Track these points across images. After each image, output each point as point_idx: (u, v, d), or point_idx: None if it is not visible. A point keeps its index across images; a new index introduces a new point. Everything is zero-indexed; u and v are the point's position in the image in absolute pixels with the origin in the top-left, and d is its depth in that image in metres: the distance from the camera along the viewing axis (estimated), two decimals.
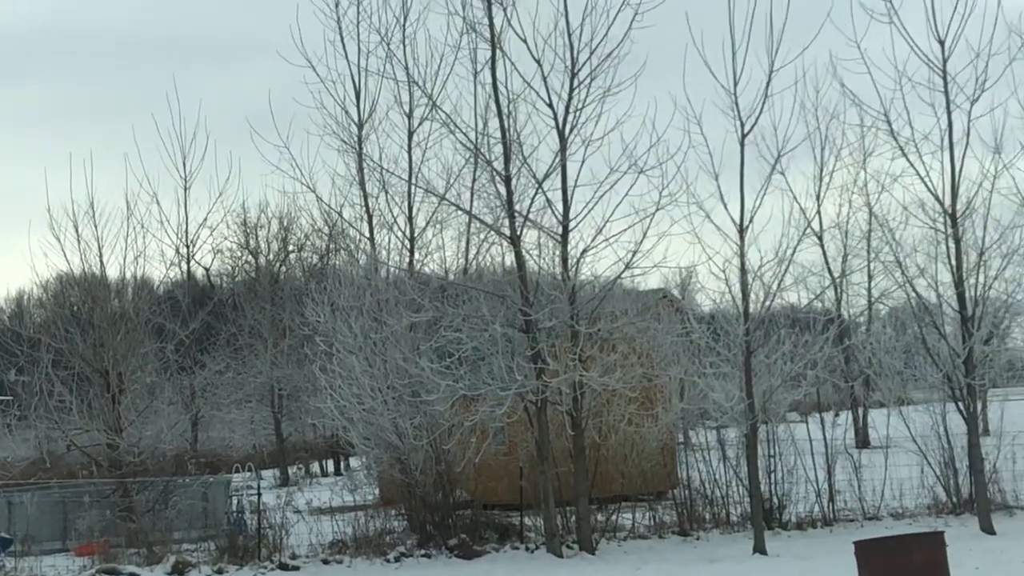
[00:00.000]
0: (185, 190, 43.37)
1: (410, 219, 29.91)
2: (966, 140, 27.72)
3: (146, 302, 35.80)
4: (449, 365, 26.54)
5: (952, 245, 27.90)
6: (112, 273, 34.29)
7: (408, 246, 29.97)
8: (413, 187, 29.64)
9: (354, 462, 44.67)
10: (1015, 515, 29.55)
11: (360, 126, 30.10)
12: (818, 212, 33.62)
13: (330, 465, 56.70)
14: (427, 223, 30.25)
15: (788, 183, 27.99)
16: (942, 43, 27.50)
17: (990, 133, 27.88)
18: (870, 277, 48.22)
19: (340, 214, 31.69)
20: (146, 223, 36.04)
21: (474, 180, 29.43)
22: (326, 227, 41.45)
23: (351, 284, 28.78)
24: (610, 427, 28.63)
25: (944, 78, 27.61)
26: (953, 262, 27.89)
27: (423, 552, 26.64)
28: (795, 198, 28.63)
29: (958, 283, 27.82)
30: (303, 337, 35.62)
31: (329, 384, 27.88)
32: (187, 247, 45.90)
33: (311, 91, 30.20)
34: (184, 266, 46.94)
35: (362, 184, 30.06)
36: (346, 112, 30.16)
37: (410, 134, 29.88)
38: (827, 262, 42.17)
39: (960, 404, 28.10)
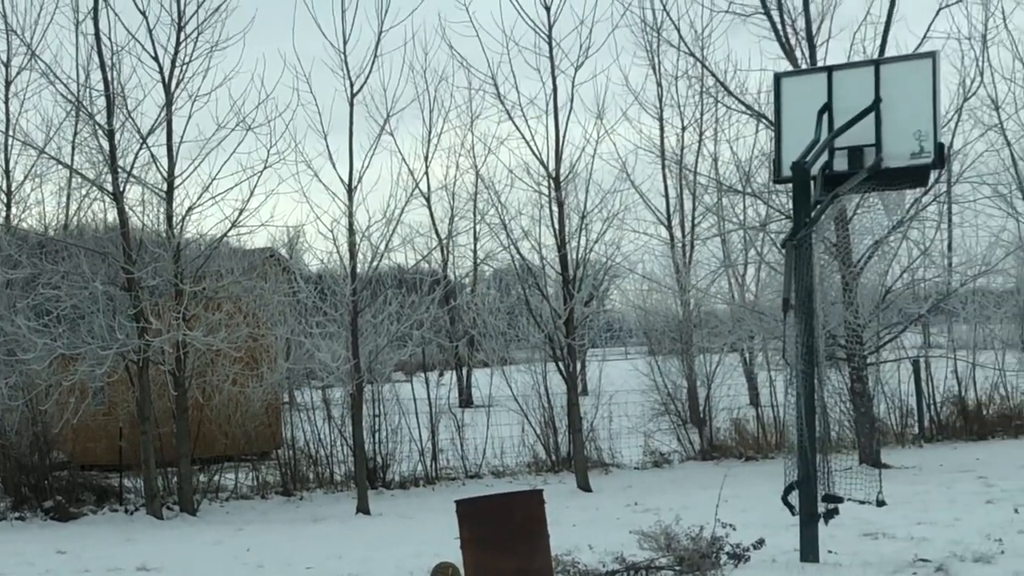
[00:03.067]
0: None
1: (7, 172, 28.94)
2: (570, 105, 28.36)
3: None
4: (47, 323, 25.71)
5: (555, 208, 28.50)
6: None
7: (5, 200, 28.97)
8: (10, 139, 28.66)
9: None
10: (611, 472, 30.49)
11: None
12: (426, 173, 34.04)
13: None
14: (25, 177, 29.39)
15: (397, 144, 28.21)
16: (548, 8, 28.01)
17: (593, 99, 28.72)
18: (476, 238, 49.35)
19: None
20: None
21: (75, 134, 28.66)
22: None
23: None
24: (214, 387, 28.29)
25: (550, 43, 28.15)
26: (556, 225, 28.50)
27: (17, 515, 25.77)
28: (404, 159, 28.94)
29: (560, 245, 28.43)
30: None
31: None
32: None
33: None
34: None
35: None
36: None
37: (7, 84, 28.87)
38: (434, 223, 42.84)
39: (560, 364, 28.78)
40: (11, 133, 28.52)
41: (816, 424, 13.21)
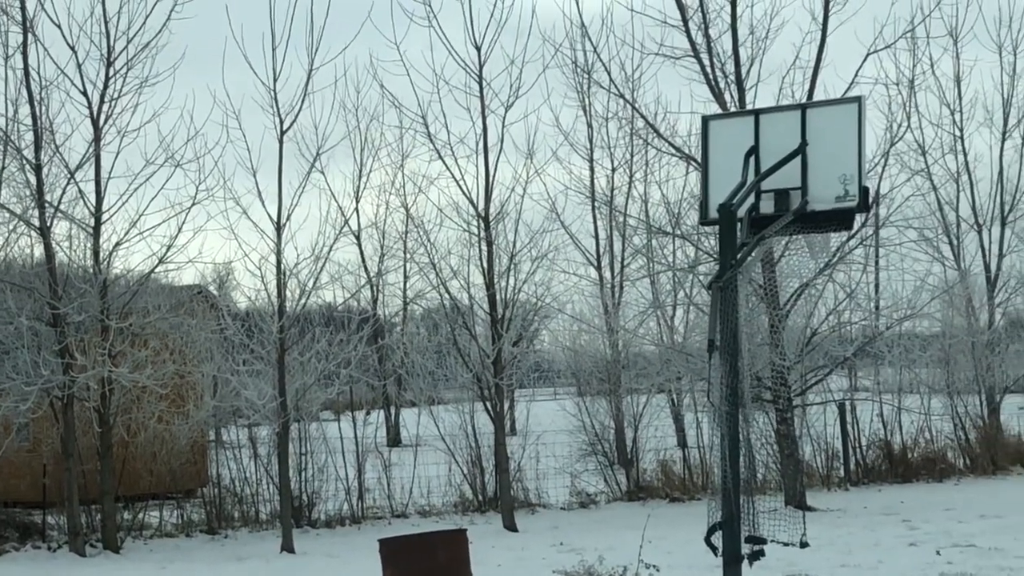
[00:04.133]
0: None
1: None
2: (500, 145, 28.41)
3: None
4: None
5: (485, 248, 28.51)
6: None
7: None
8: None
9: None
10: (537, 512, 30.43)
11: None
12: (356, 211, 33.96)
13: None
14: None
15: (327, 181, 28.20)
16: (479, 49, 28.09)
17: (523, 139, 28.77)
18: (406, 277, 49.27)
19: None
20: None
21: (2, 168, 28.41)
22: None
23: None
24: (139, 424, 28.06)
25: (480, 83, 28.22)
26: (485, 265, 28.50)
27: None
28: (333, 196, 29.00)
29: (489, 285, 28.42)
30: None
31: None
32: None
33: None
34: None
35: None
36: None
37: None
38: (364, 261, 42.87)
39: (488, 404, 28.74)
40: None
41: (740, 465, 13.23)
